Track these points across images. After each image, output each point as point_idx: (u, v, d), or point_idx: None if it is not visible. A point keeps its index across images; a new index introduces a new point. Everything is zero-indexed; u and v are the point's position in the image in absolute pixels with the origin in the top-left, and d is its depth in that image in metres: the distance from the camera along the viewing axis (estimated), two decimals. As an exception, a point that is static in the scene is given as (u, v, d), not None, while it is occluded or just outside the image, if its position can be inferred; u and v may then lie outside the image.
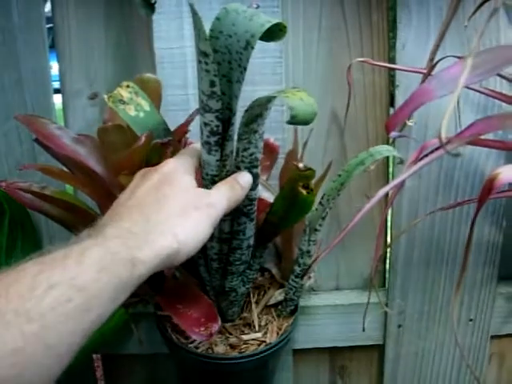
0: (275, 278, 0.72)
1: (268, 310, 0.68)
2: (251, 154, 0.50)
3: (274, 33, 0.42)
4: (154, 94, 0.58)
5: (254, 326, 0.64)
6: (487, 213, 0.76)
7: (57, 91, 0.78)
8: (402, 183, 0.70)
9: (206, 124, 0.48)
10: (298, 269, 0.63)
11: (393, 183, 0.53)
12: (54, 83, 0.79)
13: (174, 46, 0.69)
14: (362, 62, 0.62)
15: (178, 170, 0.49)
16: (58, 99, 0.78)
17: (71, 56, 0.74)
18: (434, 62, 0.61)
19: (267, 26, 0.41)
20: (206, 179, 0.52)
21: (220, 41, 0.45)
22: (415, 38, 0.68)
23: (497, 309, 0.81)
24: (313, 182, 0.53)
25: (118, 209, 0.46)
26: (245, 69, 0.44)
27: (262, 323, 0.65)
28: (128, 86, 0.53)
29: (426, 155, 0.48)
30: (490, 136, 0.65)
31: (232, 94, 0.47)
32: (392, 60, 0.73)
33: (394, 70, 0.68)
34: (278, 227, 0.58)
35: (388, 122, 0.52)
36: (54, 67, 0.77)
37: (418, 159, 0.50)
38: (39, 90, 0.76)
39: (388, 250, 0.79)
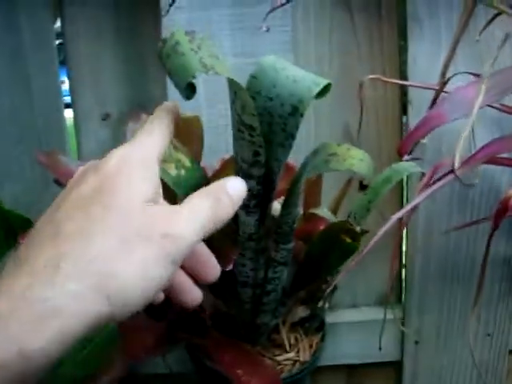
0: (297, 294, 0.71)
1: (294, 327, 0.67)
2: (293, 216, 0.49)
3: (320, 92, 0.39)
4: (196, 136, 0.54)
5: (285, 346, 0.64)
6: (504, 229, 0.75)
7: (68, 106, 0.78)
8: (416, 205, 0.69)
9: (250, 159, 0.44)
10: (325, 286, 0.63)
11: (406, 208, 0.52)
12: (66, 98, 0.79)
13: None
14: (374, 78, 0.61)
15: (128, 169, 0.32)
16: (69, 114, 0.78)
17: (82, 77, 0.74)
18: (447, 77, 0.61)
19: (316, 90, 0.37)
20: (243, 237, 0.49)
21: (257, 102, 0.39)
22: (427, 52, 0.68)
23: (514, 323, 0.80)
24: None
25: (29, 241, 0.30)
26: (292, 136, 0.40)
27: (292, 342, 0.65)
28: None
29: (439, 179, 0.48)
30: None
31: (273, 156, 0.42)
32: (404, 74, 0.72)
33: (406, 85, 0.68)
34: (320, 270, 0.55)
35: (401, 145, 0.52)
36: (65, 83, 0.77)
37: (430, 179, 0.49)
38: (50, 109, 0.76)
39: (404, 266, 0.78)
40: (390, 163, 0.77)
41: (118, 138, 0.72)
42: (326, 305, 0.67)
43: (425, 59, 0.68)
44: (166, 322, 0.56)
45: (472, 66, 0.67)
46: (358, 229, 0.48)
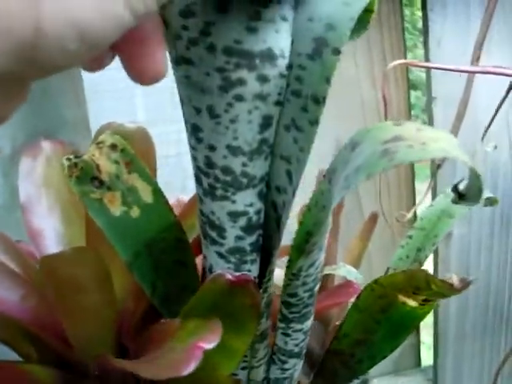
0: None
1: None
2: (317, 268, 0.28)
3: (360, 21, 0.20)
4: (144, 158, 0.31)
5: None
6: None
7: None
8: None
9: (237, 215, 0.26)
10: (356, 382, 0.42)
11: None
12: None
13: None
14: (402, 65, 0.42)
15: None
16: None
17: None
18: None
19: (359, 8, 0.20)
20: None
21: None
22: (453, 32, 0.50)
23: None
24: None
25: None
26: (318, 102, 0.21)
27: None
28: (114, 147, 0.26)
29: None
30: None
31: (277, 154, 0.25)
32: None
33: (429, 69, 0.49)
34: (352, 367, 0.33)
35: None
36: None
37: None
38: None
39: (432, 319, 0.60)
40: (399, 185, 0.60)
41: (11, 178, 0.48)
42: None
43: (451, 41, 0.50)
44: None
45: (510, 45, 0.50)
46: (454, 279, 0.27)
